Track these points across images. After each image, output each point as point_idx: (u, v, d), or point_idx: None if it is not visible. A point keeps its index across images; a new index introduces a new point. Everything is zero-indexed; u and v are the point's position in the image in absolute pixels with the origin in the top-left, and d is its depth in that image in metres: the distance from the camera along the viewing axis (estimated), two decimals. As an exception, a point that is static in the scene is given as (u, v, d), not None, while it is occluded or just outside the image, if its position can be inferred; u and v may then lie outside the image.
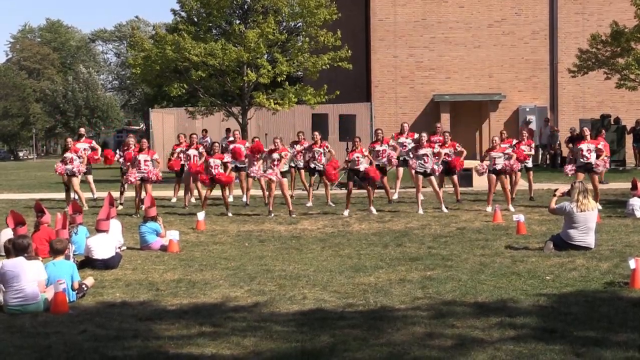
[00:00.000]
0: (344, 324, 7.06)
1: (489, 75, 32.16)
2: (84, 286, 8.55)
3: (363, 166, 15.83)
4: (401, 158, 18.18)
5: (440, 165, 16.26)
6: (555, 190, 11.56)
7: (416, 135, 17.74)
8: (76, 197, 17.95)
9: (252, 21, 26.28)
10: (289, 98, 24.54)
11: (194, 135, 18.99)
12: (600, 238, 11.28)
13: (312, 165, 17.93)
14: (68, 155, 17.73)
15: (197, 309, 7.89)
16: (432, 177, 16.01)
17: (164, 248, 11.82)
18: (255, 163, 16.43)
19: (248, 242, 12.59)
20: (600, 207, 13.67)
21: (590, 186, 13.21)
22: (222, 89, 26.28)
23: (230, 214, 15.91)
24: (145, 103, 58.63)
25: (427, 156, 15.94)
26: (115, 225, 11.56)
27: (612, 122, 27.23)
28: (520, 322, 6.99)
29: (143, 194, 15.59)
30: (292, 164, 18.70)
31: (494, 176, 15.82)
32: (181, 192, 18.57)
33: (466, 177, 19.35)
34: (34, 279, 7.97)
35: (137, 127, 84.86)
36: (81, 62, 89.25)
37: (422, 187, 16.09)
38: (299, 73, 30.42)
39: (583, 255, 10.25)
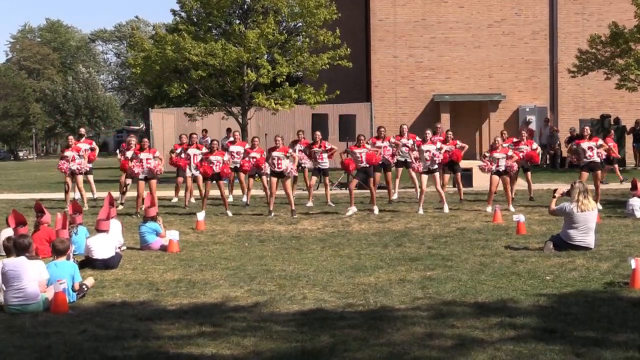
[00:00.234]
0: (344, 324, 7.06)
1: (489, 76, 32.17)
2: (84, 287, 8.55)
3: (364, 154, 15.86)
4: (402, 159, 18.17)
5: (440, 156, 16.19)
6: (555, 190, 11.56)
7: (418, 138, 17.74)
8: (77, 196, 17.98)
9: (252, 21, 26.29)
10: (289, 98, 24.54)
11: (194, 135, 19.00)
12: (600, 238, 11.28)
13: (316, 166, 17.88)
14: (70, 153, 17.72)
15: (197, 309, 7.89)
16: (436, 175, 15.98)
17: (164, 248, 11.81)
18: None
19: (248, 242, 12.59)
20: (600, 207, 13.68)
21: (591, 186, 13.21)
22: (222, 89, 26.29)
23: (230, 214, 15.91)
24: (145, 103, 58.63)
25: (429, 151, 15.93)
26: (115, 225, 11.56)
27: (612, 123, 27.23)
28: (520, 322, 6.99)
29: (144, 193, 15.56)
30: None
31: (496, 177, 15.81)
32: (182, 192, 18.57)
33: (466, 177, 19.35)
34: (35, 278, 7.97)
35: (137, 127, 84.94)
36: (81, 62, 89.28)
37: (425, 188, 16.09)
38: (299, 73, 30.43)
39: (583, 255, 10.25)
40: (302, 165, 17.94)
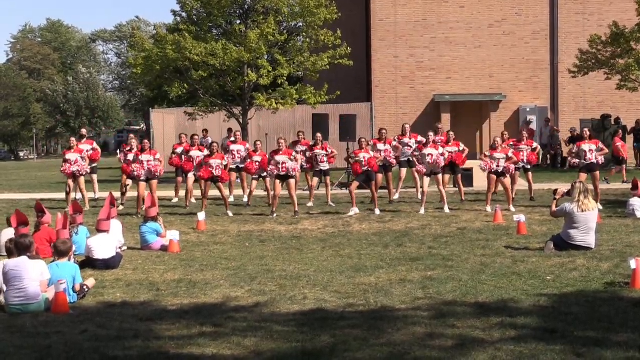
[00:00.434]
0: (344, 324, 7.06)
1: (489, 76, 32.16)
2: (85, 288, 8.55)
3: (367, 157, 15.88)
4: (405, 159, 18.17)
5: (444, 159, 16.22)
6: (555, 191, 11.56)
7: (420, 138, 17.74)
8: (78, 197, 17.99)
9: (252, 21, 26.29)
10: (290, 97, 24.54)
11: (196, 137, 18.98)
12: (600, 238, 11.28)
13: (317, 168, 17.86)
14: (72, 156, 17.72)
15: (198, 309, 7.90)
16: (439, 177, 15.99)
17: (164, 248, 11.81)
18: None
19: (249, 242, 12.59)
20: (600, 207, 13.68)
21: (591, 186, 13.22)
22: (223, 89, 26.29)
23: (230, 214, 15.91)
24: (146, 103, 58.67)
25: (432, 155, 15.94)
26: (115, 225, 11.56)
27: (613, 123, 27.23)
28: (521, 322, 6.99)
29: (145, 194, 15.56)
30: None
31: (494, 176, 15.85)
32: (182, 193, 18.57)
33: (466, 177, 19.35)
34: (37, 278, 7.97)
35: (138, 127, 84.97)
36: (82, 63, 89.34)
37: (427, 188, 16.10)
38: (299, 73, 30.43)
39: (584, 255, 10.25)
40: (302, 165, 17.96)
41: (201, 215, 14.38)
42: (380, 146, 17.49)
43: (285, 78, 24.91)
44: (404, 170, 18.55)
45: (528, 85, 32.24)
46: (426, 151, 16.09)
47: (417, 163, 16.49)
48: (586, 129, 16.76)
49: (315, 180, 18.10)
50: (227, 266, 10.36)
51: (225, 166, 16.39)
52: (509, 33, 32.04)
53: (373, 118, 30.01)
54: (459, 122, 30.78)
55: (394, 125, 29.06)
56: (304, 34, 27.52)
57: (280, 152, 15.94)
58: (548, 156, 28.55)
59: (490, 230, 13.17)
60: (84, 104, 76.59)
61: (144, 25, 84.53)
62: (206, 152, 17.50)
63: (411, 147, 18.02)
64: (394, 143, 17.98)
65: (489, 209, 15.54)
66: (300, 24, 29.56)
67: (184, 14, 34.67)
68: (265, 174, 17.08)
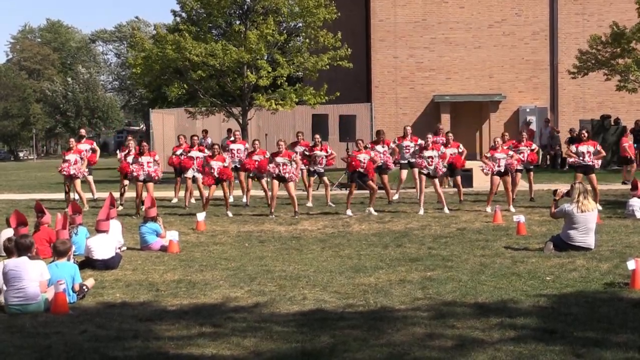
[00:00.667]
0: (344, 325, 7.06)
1: (489, 76, 32.16)
2: (84, 287, 8.55)
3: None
4: (405, 161, 18.18)
5: (445, 166, 16.28)
6: (555, 191, 11.56)
7: (420, 141, 17.72)
8: (77, 197, 17.98)
9: (252, 22, 26.29)
10: (290, 98, 24.54)
11: (195, 137, 18.97)
12: (600, 239, 11.28)
13: (313, 169, 17.88)
14: (72, 157, 17.71)
15: (198, 309, 7.90)
16: (436, 180, 16.01)
17: (164, 248, 11.81)
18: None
19: (248, 243, 12.59)
20: (600, 208, 13.68)
21: (589, 187, 13.22)
22: (222, 89, 26.29)
23: (230, 214, 15.91)
24: (145, 104, 58.67)
25: (433, 158, 15.94)
26: (115, 225, 11.56)
27: (612, 123, 27.23)
28: (521, 322, 6.99)
29: (144, 194, 15.57)
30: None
31: (497, 178, 15.85)
32: (182, 193, 18.57)
33: (466, 178, 19.35)
34: (36, 278, 7.97)
35: (137, 128, 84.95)
36: (81, 63, 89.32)
37: (424, 188, 16.10)
38: (299, 73, 30.44)
39: (583, 256, 10.25)
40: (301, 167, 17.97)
41: (200, 216, 14.38)
42: (379, 148, 17.48)
43: (285, 78, 24.91)
44: (404, 172, 18.54)
45: (528, 85, 32.25)
46: (427, 154, 16.08)
47: (417, 160, 16.47)
48: (584, 131, 16.76)
49: (312, 179, 18.10)
50: (227, 266, 10.36)
51: (226, 167, 16.36)
52: (508, 33, 32.04)
53: (373, 118, 30.02)
54: (458, 122, 30.79)
55: (393, 125, 29.11)
56: (303, 34, 27.53)
57: (280, 154, 15.91)
58: (548, 157, 28.55)
59: (490, 230, 13.17)
60: (83, 104, 76.57)
61: (144, 25, 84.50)
62: (207, 152, 17.49)
63: (410, 149, 18.01)
64: (392, 145, 17.96)
65: (489, 209, 15.55)
66: (300, 24, 29.57)
67: (183, 14, 34.71)
68: (260, 175, 17.05)
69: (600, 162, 16.15)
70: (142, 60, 24.80)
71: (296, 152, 17.90)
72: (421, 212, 15.63)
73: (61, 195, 18.80)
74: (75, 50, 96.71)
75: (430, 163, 15.90)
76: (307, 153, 17.88)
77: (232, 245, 12.41)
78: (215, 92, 26.17)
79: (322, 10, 24.35)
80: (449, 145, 17.52)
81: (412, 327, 6.96)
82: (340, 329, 6.89)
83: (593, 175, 15.77)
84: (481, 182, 18.85)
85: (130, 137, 20.68)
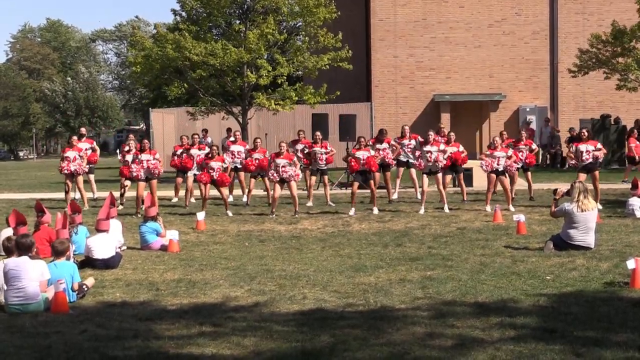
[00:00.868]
0: (344, 324, 7.06)
1: (489, 75, 32.17)
2: (84, 287, 8.55)
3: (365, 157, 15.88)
4: (403, 159, 18.18)
5: (445, 159, 16.22)
6: (555, 190, 11.56)
7: (420, 138, 17.72)
8: (77, 196, 17.99)
9: (251, 21, 26.28)
10: (289, 98, 24.54)
11: (196, 136, 18.99)
12: (600, 238, 11.28)
13: (315, 168, 17.85)
14: (71, 154, 17.72)
15: (198, 308, 7.90)
16: (439, 176, 15.98)
17: (164, 248, 11.81)
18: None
19: (248, 242, 12.59)
20: (600, 207, 13.68)
21: (591, 186, 13.21)
22: (223, 89, 26.28)
23: (230, 214, 15.90)
24: (145, 103, 58.65)
25: (431, 153, 15.94)
26: (115, 225, 11.56)
27: (612, 122, 27.22)
28: (521, 322, 6.99)
29: (144, 194, 15.55)
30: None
31: (493, 176, 15.85)
32: (182, 192, 18.57)
33: (466, 177, 19.32)
34: (37, 278, 7.97)
35: (138, 127, 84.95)
36: (81, 62, 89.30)
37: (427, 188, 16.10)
38: (299, 72, 30.44)
39: (583, 255, 10.25)
40: (302, 166, 17.95)
41: (200, 215, 14.38)
42: (379, 146, 17.49)
43: (285, 78, 24.91)
44: (401, 170, 18.56)
45: (528, 85, 32.26)
46: (426, 148, 16.09)
47: (417, 159, 16.48)
48: (584, 130, 16.73)
49: (313, 179, 18.10)
50: (227, 266, 10.36)
51: (225, 169, 16.35)
52: (508, 33, 32.05)
53: (373, 118, 30.01)
54: (458, 122, 30.80)
55: (393, 124, 29.08)
56: (303, 33, 27.52)
57: (281, 156, 15.88)
58: (548, 156, 28.55)
59: (490, 230, 13.17)
60: (83, 104, 76.56)
61: (144, 25, 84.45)
62: (207, 150, 17.49)
63: (411, 146, 18.01)
64: (393, 143, 17.97)
65: (488, 208, 15.54)
66: (300, 24, 29.56)
67: (183, 14, 34.70)
68: (263, 173, 17.06)
69: (602, 157, 16.08)
70: (142, 58, 24.79)
71: (297, 150, 17.92)
72: (421, 211, 15.63)
73: (61, 195, 18.79)
74: (75, 50, 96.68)
75: (430, 159, 15.89)
76: (307, 150, 17.88)
77: (232, 244, 12.41)
78: (215, 92, 26.16)
79: (322, 9, 24.34)
80: (451, 144, 17.52)
81: (412, 326, 6.96)
82: (340, 329, 6.89)
83: (596, 173, 15.73)
84: (481, 181, 18.83)
85: (131, 136, 20.68)
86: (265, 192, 17.90)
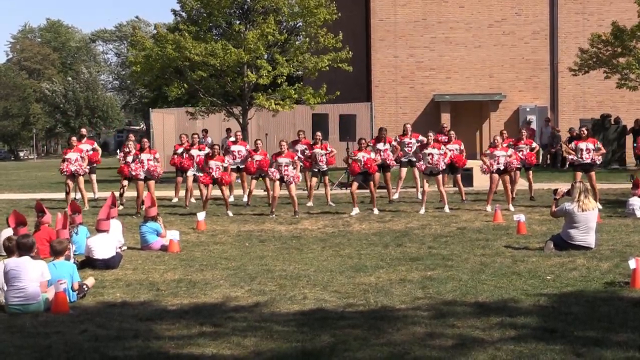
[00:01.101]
0: (344, 324, 7.06)
1: (489, 75, 32.16)
2: (84, 286, 8.55)
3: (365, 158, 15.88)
4: (405, 159, 18.18)
5: (445, 163, 16.27)
6: (555, 190, 11.56)
7: (421, 137, 17.73)
8: (78, 197, 17.98)
9: (251, 21, 26.27)
10: (289, 97, 24.52)
11: (196, 135, 19.00)
12: (600, 238, 11.27)
13: (316, 169, 17.84)
14: (72, 155, 17.71)
15: (198, 309, 7.90)
16: (439, 177, 16.00)
17: (164, 248, 11.82)
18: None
19: (248, 242, 12.59)
20: (600, 207, 13.67)
21: (589, 186, 13.22)
22: (223, 89, 26.28)
23: (230, 214, 15.90)
24: (145, 103, 58.64)
25: (432, 155, 15.94)
26: (115, 225, 11.56)
27: (613, 122, 27.22)
28: (521, 322, 6.99)
29: (144, 194, 15.56)
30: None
31: (496, 176, 15.84)
32: (182, 192, 18.57)
33: (466, 177, 19.35)
34: (37, 278, 7.97)
35: (138, 127, 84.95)
36: (81, 62, 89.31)
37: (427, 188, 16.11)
38: (299, 72, 30.43)
39: (583, 255, 10.24)
40: (302, 168, 17.96)
41: (201, 215, 14.38)
42: (380, 146, 17.49)
43: (284, 78, 24.91)
44: (404, 170, 18.53)
45: (528, 85, 32.25)
46: (427, 151, 16.10)
47: (418, 160, 16.48)
48: (584, 128, 16.75)
49: (314, 179, 18.09)
50: (227, 266, 10.36)
51: (225, 169, 16.35)
52: (508, 33, 32.04)
53: (373, 118, 30.00)
54: (458, 122, 30.76)
55: (393, 124, 29.06)
56: (303, 33, 27.51)
57: (282, 155, 15.89)
58: (548, 156, 28.54)
59: (490, 229, 13.17)
60: (83, 104, 76.57)
61: (144, 25, 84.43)
62: (207, 150, 17.47)
63: (412, 146, 18.02)
64: (394, 143, 17.97)
65: (489, 208, 15.54)
66: (300, 24, 29.55)
67: (184, 14, 34.67)
68: (264, 173, 17.06)
69: (601, 158, 16.12)
70: (143, 58, 24.78)
71: (297, 151, 17.91)
72: (422, 211, 15.63)
73: (61, 195, 18.80)
74: (76, 50, 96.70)
75: (430, 161, 15.91)
76: (307, 152, 17.87)
77: (233, 244, 12.41)
78: (216, 92, 26.15)
79: (323, 10, 24.33)
80: (452, 142, 17.55)
81: (413, 326, 6.96)
82: (341, 329, 6.89)
83: (592, 173, 15.75)
84: (481, 181, 18.85)
85: (131, 136, 20.67)
86: (266, 192, 17.90)
